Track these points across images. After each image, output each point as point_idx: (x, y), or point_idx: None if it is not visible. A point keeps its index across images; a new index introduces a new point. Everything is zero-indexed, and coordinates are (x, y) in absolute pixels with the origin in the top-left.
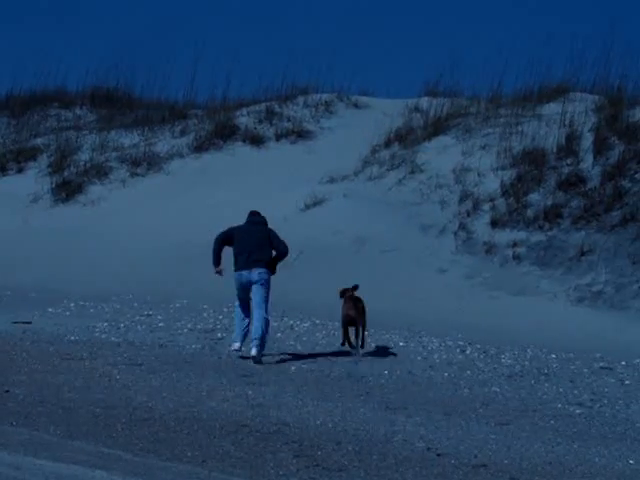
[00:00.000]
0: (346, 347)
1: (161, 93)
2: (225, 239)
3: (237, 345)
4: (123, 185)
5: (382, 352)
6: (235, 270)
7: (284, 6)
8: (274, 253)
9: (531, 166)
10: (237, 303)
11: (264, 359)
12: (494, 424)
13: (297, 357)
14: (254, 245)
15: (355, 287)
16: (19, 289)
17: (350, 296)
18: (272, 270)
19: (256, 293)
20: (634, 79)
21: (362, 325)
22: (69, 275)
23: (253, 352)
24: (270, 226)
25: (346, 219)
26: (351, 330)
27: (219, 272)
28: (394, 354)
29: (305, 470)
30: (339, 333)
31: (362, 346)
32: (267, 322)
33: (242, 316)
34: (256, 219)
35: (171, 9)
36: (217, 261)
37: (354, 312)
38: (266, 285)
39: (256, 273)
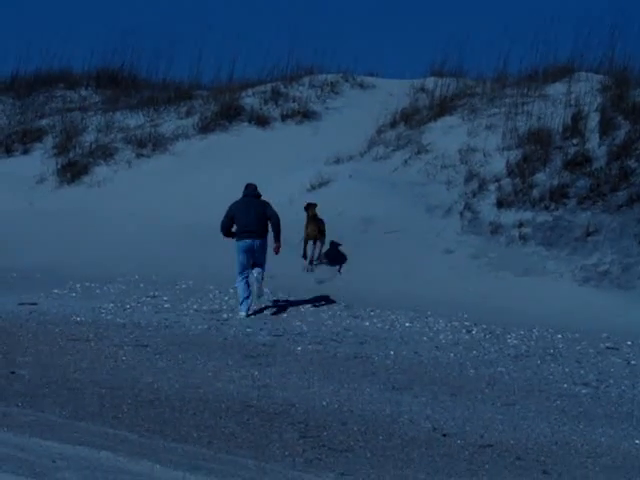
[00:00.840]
0: (304, 261)
1: (166, 74)
2: (229, 223)
3: (243, 314)
4: (129, 166)
5: (388, 332)
6: (238, 240)
7: None
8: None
9: (537, 146)
10: (239, 279)
11: (270, 339)
12: (500, 404)
13: (303, 337)
14: (253, 218)
15: (315, 205)
16: (25, 270)
17: (313, 216)
18: (276, 248)
19: (257, 257)
20: None
21: (321, 242)
22: (75, 256)
23: (256, 291)
24: (275, 205)
25: (352, 200)
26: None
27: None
28: (400, 335)
29: (311, 450)
30: (345, 314)
31: (318, 259)
32: (263, 275)
33: (245, 287)
34: (252, 192)
35: None
36: (231, 236)
37: (317, 232)
38: (264, 251)
39: (258, 242)
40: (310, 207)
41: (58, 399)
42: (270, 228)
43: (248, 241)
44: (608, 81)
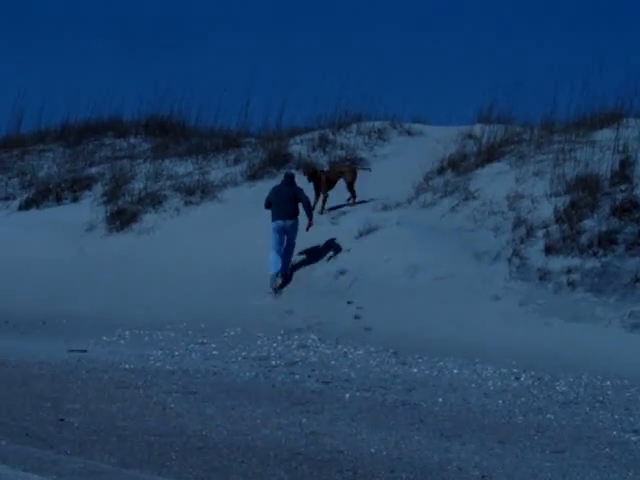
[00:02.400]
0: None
1: (215, 122)
2: (269, 202)
3: (273, 272)
4: (177, 213)
5: (436, 379)
6: (272, 220)
7: (337, 35)
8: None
9: (585, 192)
10: (273, 252)
11: (318, 386)
12: (549, 452)
13: (351, 384)
14: (284, 201)
15: (315, 170)
16: (75, 317)
17: (320, 177)
18: (308, 226)
19: (289, 235)
20: None
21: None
22: (124, 303)
23: (282, 269)
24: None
25: (400, 246)
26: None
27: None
28: (448, 381)
29: None
30: (393, 360)
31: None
32: (293, 248)
33: (276, 258)
34: (286, 181)
35: (225, 39)
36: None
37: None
38: (294, 231)
39: (289, 223)
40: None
41: (106, 446)
42: (303, 211)
43: (280, 222)
44: None
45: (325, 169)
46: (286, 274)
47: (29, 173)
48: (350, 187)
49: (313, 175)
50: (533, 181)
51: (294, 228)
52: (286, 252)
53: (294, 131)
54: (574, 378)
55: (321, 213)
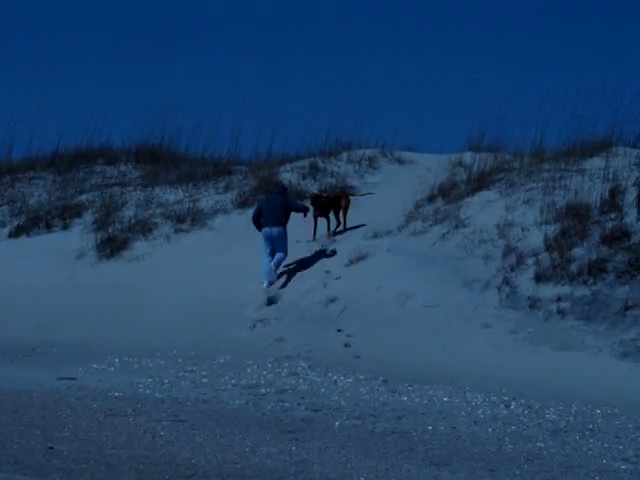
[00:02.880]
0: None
1: (205, 150)
2: (258, 214)
3: (266, 284)
4: (167, 241)
5: (426, 407)
6: (262, 227)
7: (327, 62)
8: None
9: (575, 220)
10: (264, 262)
11: (308, 414)
12: None
13: (340, 412)
14: (273, 209)
15: (318, 195)
16: (64, 345)
17: (322, 201)
18: (305, 213)
19: (276, 244)
20: None
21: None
22: (114, 331)
23: (274, 268)
24: (312, 279)
25: (390, 274)
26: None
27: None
28: (438, 409)
29: None
30: (383, 388)
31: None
32: (282, 257)
33: (267, 265)
34: (278, 190)
35: (215, 66)
36: (259, 229)
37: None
38: (282, 239)
39: (275, 230)
40: (316, 198)
41: (96, 475)
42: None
43: (266, 229)
44: None
45: (325, 194)
46: (278, 263)
47: (19, 200)
48: (343, 213)
49: (316, 199)
50: (523, 209)
51: (281, 236)
52: (275, 260)
53: (284, 159)
54: (564, 406)
55: (332, 236)
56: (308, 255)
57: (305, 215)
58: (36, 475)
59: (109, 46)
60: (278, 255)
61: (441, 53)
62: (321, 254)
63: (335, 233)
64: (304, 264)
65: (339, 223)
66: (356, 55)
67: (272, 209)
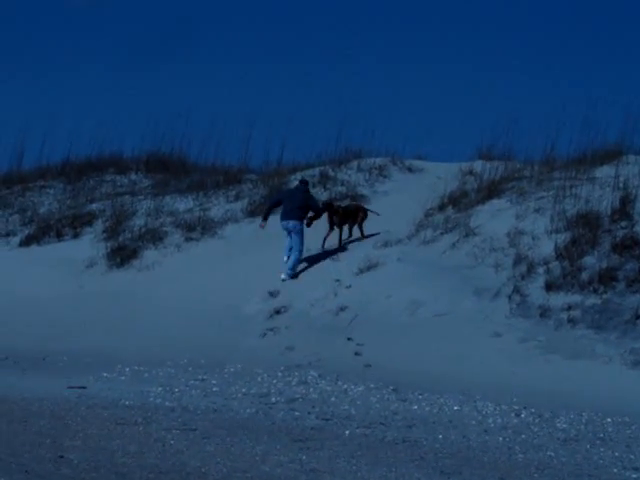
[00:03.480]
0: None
1: (216, 158)
2: (277, 202)
3: (283, 276)
4: (178, 250)
5: (436, 416)
6: (280, 220)
7: (337, 70)
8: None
9: (585, 229)
10: (286, 251)
11: (318, 422)
12: None
13: (351, 421)
14: (292, 203)
15: (331, 204)
16: (75, 354)
17: (337, 211)
18: (308, 223)
19: (293, 238)
20: None
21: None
22: (124, 340)
23: (289, 271)
24: (323, 288)
25: (400, 283)
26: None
27: (262, 226)
28: (448, 418)
29: None
30: (393, 397)
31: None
32: (297, 259)
33: (287, 251)
34: (300, 186)
35: (224, 73)
36: (265, 217)
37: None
38: (298, 233)
39: (292, 223)
40: (331, 207)
41: None
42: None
43: (284, 222)
44: None
45: (342, 205)
46: (295, 262)
47: (30, 209)
48: (359, 226)
49: (329, 207)
50: (534, 218)
51: (297, 230)
52: (292, 255)
53: (295, 167)
54: (575, 415)
55: (340, 246)
56: (318, 264)
57: (310, 223)
58: None
59: (118, 54)
60: (292, 258)
61: (452, 61)
62: (331, 263)
63: (347, 243)
64: (314, 273)
65: (351, 234)
66: (366, 63)
67: (292, 202)
